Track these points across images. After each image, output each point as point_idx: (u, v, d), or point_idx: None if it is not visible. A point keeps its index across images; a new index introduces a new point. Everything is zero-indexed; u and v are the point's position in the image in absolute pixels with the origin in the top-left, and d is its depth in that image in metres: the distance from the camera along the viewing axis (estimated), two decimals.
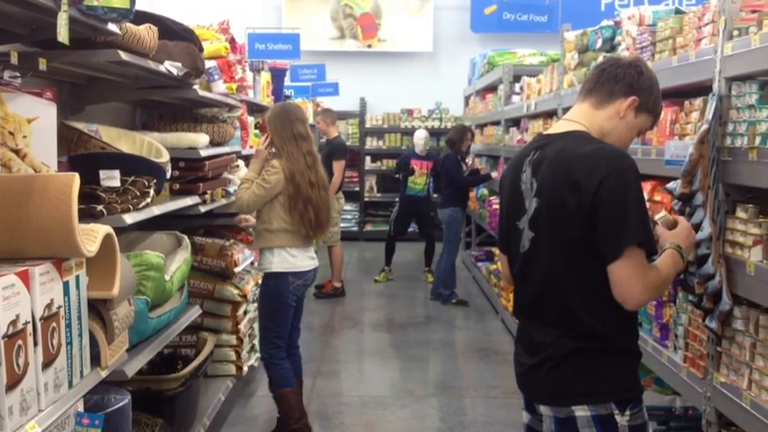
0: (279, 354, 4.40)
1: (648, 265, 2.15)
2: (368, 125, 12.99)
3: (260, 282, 4.59)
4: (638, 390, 2.26)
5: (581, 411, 2.17)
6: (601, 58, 4.32)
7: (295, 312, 4.47)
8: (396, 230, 9.31)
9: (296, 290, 4.35)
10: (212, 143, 4.43)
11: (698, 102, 3.17)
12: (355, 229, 12.66)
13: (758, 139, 2.60)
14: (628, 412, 2.18)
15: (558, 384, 2.22)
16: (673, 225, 2.41)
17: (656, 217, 2.47)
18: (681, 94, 3.43)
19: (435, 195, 10.49)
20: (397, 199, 9.86)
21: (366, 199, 12.92)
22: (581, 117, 2.33)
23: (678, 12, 3.75)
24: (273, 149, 4.41)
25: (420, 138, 9.19)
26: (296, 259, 4.31)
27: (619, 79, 2.29)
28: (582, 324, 2.18)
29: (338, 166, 8.34)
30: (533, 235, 2.26)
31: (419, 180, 8.97)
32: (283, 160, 4.27)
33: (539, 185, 2.24)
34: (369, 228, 12.72)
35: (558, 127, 2.38)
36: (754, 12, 2.79)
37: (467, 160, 8.97)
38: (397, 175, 9.62)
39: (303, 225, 4.27)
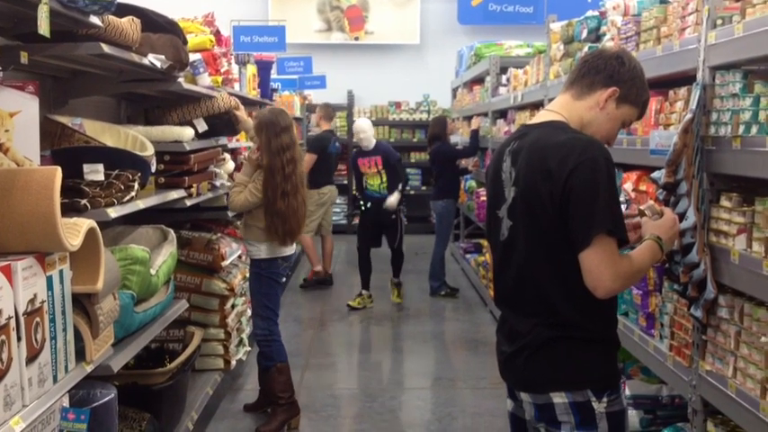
0: (276, 330, 4.67)
1: (620, 254, 2.16)
2: (356, 118, 12.95)
3: (249, 267, 4.82)
4: (615, 377, 2.28)
5: (558, 398, 2.20)
6: (586, 49, 4.33)
7: None
8: (363, 244, 8.00)
9: (284, 270, 4.74)
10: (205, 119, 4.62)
11: (682, 91, 3.18)
12: (344, 222, 12.65)
13: (742, 128, 2.61)
14: (605, 399, 2.20)
15: (535, 372, 2.25)
16: (659, 215, 2.42)
17: (643, 206, 2.48)
18: (665, 84, 3.43)
19: (424, 188, 10.46)
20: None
21: (354, 192, 12.89)
22: (561, 108, 2.34)
23: (663, 1, 3.75)
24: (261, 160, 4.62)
25: (362, 130, 7.79)
26: (282, 247, 4.61)
27: (600, 70, 2.30)
28: (558, 313, 2.20)
29: (305, 158, 8.16)
30: (511, 223, 2.28)
31: (372, 181, 7.78)
32: (266, 173, 4.49)
33: (516, 174, 2.26)
34: (358, 221, 12.67)
35: (538, 117, 2.40)
36: (737, 0, 2.79)
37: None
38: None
39: (270, 234, 4.50)
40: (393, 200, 7.61)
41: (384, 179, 7.73)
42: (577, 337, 2.21)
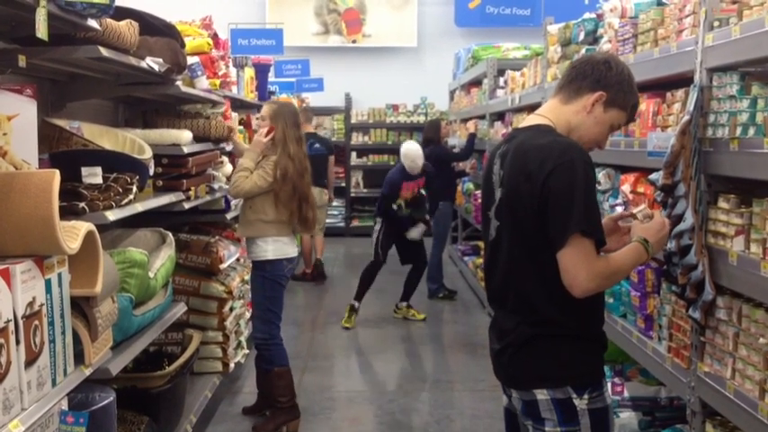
0: (278, 333, 4.66)
1: (598, 254, 2.20)
2: (353, 121, 12.97)
3: (251, 269, 4.79)
4: (596, 374, 2.31)
5: (541, 395, 2.25)
6: (583, 51, 4.34)
7: None
8: (386, 253, 7.30)
9: (288, 273, 4.67)
10: (196, 139, 4.46)
11: (680, 93, 3.18)
12: (342, 224, 12.66)
13: (739, 130, 2.62)
14: (586, 396, 2.24)
15: (518, 369, 2.32)
16: (650, 218, 2.45)
17: (635, 210, 2.52)
18: (663, 86, 3.44)
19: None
20: None
21: (352, 194, 12.91)
22: (549, 112, 2.39)
23: (660, 3, 3.76)
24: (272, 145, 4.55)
25: (419, 157, 7.22)
26: (287, 246, 4.58)
27: (587, 75, 2.34)
28: (538, 311, 2.26)
29: None
30: (498, 224, 2.35)
31: (400, 201, 7.28)
32: (284, 158, 4.46)
33: (503, 176, 2.32)
34: (355, 223, 12.72)
35: (526, 121, 2.45)
36: (734, 2, 2.80)
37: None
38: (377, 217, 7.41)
39: (292, 221, 4.51)
40: (417, 231, 7.30)
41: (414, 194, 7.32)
42: (558, 335, 2.26)
